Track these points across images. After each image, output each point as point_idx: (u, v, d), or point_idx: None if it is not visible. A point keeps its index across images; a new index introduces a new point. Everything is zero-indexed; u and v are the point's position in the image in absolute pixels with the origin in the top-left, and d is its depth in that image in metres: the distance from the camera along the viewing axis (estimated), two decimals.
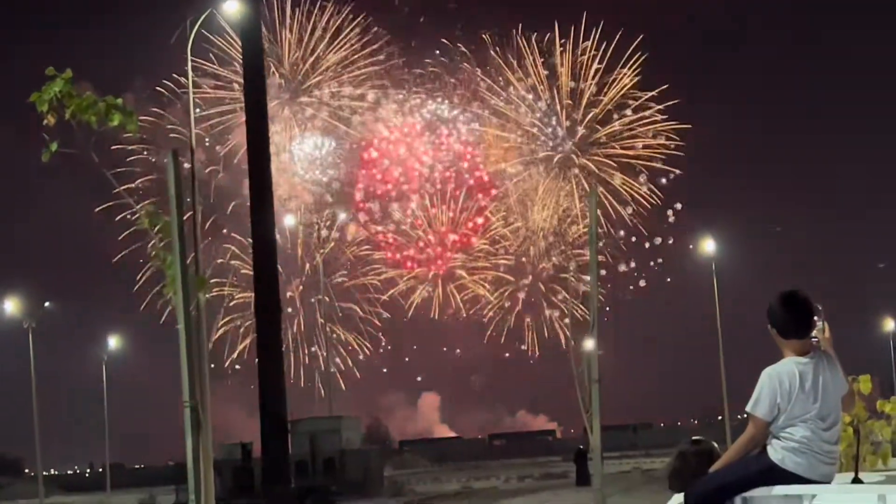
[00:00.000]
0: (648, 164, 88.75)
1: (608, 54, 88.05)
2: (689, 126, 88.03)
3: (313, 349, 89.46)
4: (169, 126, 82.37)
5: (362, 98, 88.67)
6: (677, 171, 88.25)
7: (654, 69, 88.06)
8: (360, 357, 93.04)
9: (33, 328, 65.73)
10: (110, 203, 78.72)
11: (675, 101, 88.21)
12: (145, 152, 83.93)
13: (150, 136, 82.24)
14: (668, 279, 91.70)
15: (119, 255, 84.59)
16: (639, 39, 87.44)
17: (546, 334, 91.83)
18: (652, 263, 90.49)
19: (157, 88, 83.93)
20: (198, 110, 68.98)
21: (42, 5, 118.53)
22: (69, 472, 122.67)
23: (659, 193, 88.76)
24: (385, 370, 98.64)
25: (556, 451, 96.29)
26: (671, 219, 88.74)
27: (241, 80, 77.84)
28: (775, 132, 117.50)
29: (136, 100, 77.00)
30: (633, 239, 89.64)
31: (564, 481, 51.65)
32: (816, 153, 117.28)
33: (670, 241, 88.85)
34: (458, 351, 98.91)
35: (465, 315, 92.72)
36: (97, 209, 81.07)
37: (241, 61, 77.20)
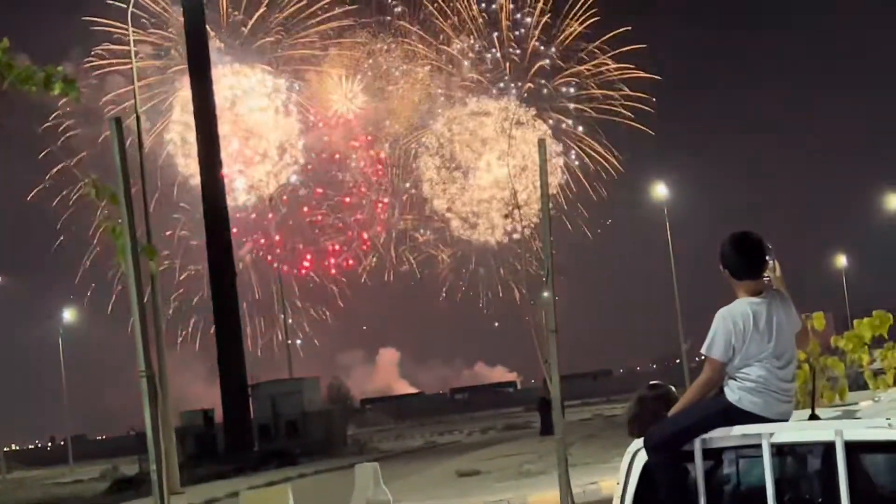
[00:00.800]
0: (601, 116, 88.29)
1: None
2: (659, 77, 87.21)
3: (270, 315, 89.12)
4: (107, 98, 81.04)
5: (306, 60, 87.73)
6: (627, 122, 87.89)
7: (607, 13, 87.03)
8: (316, 321, 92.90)
9: None
10: (49, 178, 78.00)
11: (640, 46, 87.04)
12: (77, 127, 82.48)
13: (88, 108, 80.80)
14: (623, 227, 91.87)
15: (67, 229, 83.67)
16: None
17: (500, 289, 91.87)
18: (607, 220, 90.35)
19: (90, 59, 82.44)
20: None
21: None
22: (30, 446, 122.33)
23: (610, 145, 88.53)
24: (342, 331, 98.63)
25: (518, 401, 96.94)
26: (622, 167, 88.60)
27: (177, 47, 77.24)
28: (729, 74, 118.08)
29: (73, 70, 75.65)
30: (586, 191, 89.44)
31: (528, 431, 51.96)
32: (770, 97, 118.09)
33: (623, 190, 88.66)
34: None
35: (419, 276, 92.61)
36: (41, 184, 79.94)
37: (175, 26, 76.44)
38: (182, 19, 66.64)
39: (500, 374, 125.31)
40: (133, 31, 35.28)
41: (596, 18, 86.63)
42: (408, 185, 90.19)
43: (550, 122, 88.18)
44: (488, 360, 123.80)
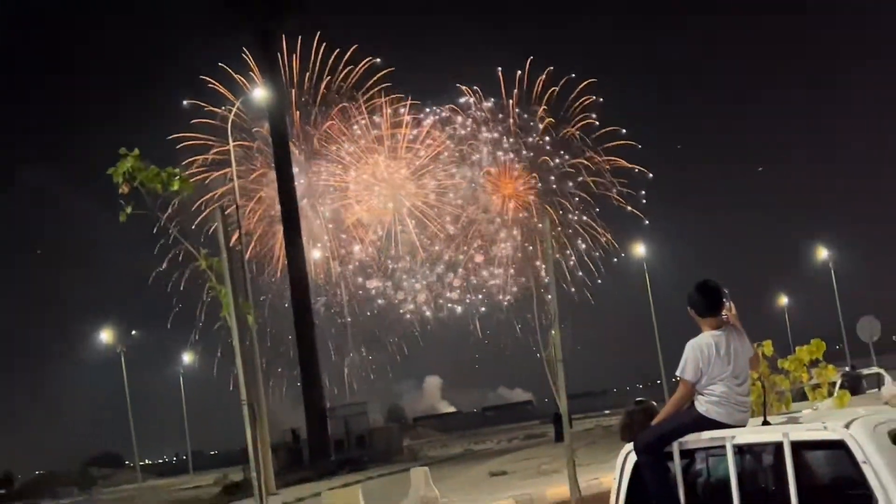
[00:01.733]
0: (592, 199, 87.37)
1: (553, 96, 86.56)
2: (650, 175, 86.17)
3: (338, 356, 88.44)
4: (206, 196, 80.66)
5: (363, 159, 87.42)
6: (620, 203, 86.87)
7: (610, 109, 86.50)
8: (375, 363, 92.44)
9: (124, 352, 65.65)
10: (169, 258, 78.08)
11: (633, 144, 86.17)
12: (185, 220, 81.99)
13: (193, 205, 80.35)
14: (613, 280, 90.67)
15: (185, 294, 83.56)
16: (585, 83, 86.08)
17: (519, 329, 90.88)
18: (599, 280, 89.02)
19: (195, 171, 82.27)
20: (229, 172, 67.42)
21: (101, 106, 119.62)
22: (160, 460, 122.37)
23: (599, 222, 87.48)
24: (397, 364, 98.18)
25: (535, 416, 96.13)
26: (607, 239, 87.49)
27: (261, 154, 77.93)
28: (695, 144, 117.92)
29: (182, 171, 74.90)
30: (587, 265, 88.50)
31: (543, 440, 51.49)
32: (726, 166, 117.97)
33: (615, 258, 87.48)
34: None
35: (451, 325, 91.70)
36: (163, 261, 79.89)
37: (260, 137, 77.15)
38: (261, 131, 67.42)
39: (517, 394, 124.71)
40: (217, 139, 35.84)
41: (593, 121, 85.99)
42: (443, 261, 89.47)
43: (561, 212, 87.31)
44: (508, 383, 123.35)
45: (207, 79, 76.77)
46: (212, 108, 75.26)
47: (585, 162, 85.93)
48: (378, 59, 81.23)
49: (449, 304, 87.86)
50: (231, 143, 36.08)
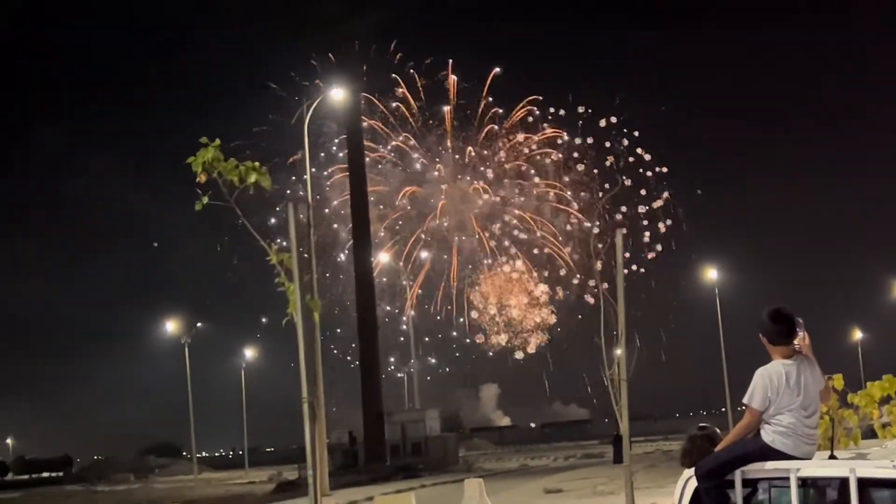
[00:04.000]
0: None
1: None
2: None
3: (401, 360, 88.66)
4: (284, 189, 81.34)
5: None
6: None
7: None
8: (438, 370, 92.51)
9: (189, 343, 66.64)
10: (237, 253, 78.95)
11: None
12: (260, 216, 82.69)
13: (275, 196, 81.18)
14: (683, 305, 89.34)
15: (252, 288, 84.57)
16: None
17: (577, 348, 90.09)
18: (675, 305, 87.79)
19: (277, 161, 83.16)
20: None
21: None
22: (217, 454, 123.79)
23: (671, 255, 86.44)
24: (456, 376, 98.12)
25: (593, 436, 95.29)
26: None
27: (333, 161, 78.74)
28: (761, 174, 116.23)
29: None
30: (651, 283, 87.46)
31: (601, 460, 51.06)
32: (799, 192, 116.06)
33: (683, 285, 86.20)
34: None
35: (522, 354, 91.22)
36: (236, 252, 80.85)
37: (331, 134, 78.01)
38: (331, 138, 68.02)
39: (573, 410, 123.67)
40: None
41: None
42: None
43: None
44: (564, 399, 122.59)
45: (274, 85, 78.02)
46: (277, 116, 76.59)
47: (661, 200, 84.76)
48: (452, 75, 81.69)
49: (517, 342, 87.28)
50: (307, 151, 36.46)
